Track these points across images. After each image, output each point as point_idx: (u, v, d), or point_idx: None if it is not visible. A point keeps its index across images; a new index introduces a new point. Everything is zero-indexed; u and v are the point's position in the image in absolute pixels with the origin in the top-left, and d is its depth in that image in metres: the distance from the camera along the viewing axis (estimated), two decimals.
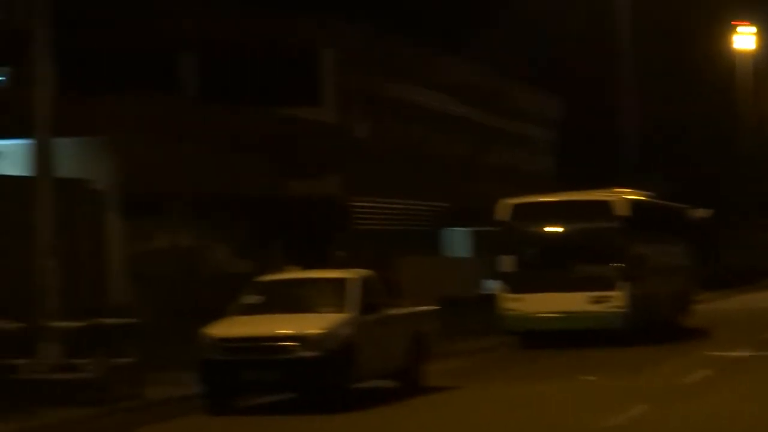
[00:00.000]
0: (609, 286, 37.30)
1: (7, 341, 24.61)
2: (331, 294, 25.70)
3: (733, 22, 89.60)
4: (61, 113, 25.96)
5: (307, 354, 23.94)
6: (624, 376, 29.02)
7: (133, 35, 52.66)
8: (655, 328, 38.60)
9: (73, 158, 30.26)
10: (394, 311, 26.80)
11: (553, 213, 39.47)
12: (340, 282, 26.10)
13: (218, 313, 26.31)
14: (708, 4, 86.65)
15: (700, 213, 54.44)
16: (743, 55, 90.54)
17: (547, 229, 39.07)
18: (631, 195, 40.66)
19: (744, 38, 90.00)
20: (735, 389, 26.44)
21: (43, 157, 25.40)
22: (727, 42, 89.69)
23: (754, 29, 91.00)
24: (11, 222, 26.68)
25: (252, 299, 26.26)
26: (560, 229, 38.92)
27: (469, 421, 23.02)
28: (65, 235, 26.78)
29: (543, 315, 37.57)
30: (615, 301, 37.15)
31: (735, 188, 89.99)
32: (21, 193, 26.67)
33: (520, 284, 38.19)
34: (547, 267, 38.28)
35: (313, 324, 24.38)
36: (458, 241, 59.77)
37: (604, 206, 38.73)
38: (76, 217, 31.13)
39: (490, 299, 40.22)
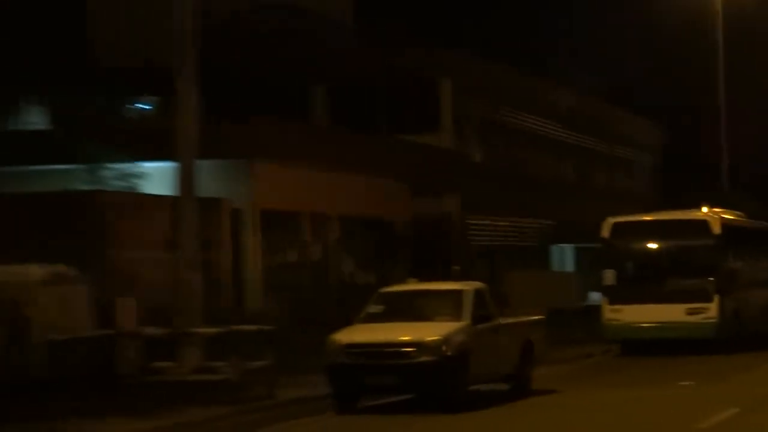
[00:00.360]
0: (703, 299, 36.96)
1: (154, 346, 24.71)
2: (448, 304, 25.65)
3: None
4: (203, 138, 26.09)
5: (425, 359, 23.90)
6: (716, 382, 28.66)
7: (269, 66, 52.94)
8: (746, 338, 38.13)
9: (213, 179, 30.36)
10: (504, 321, 26.73)
11: (651, 231, 39.24)
12: (455, 293, 26.05)
13: (344, 321, 26.35)
14: None
15: None
16: None
17: (646, 245, 38.82)
18: (725, 214, 40.27)
19: None
20: None
21: (186, 178, 25.48)
22: None
23: None
24: (158, 237, 26.72)
25: (376, 308, 26.27)
26: (658, 246, 38.65)
27: (572, 423, 22.91)
28: (206, 249, 26.83)
29: (641, 325, 37.34)
30: (708, 312, 36.82)
31: None
32: (165, 213, 26.73)
33: (620, 296, 37.97)
34: (646, 280, 38.03)
35: (430, 331, 24.33)
36: (564, 257, 59.43)
37: (699, 225, 38.45)
38: (216, 233, 31.22)
39: (593, 310, 39.98)
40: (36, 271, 22.98)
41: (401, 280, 32.39)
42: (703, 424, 21.07)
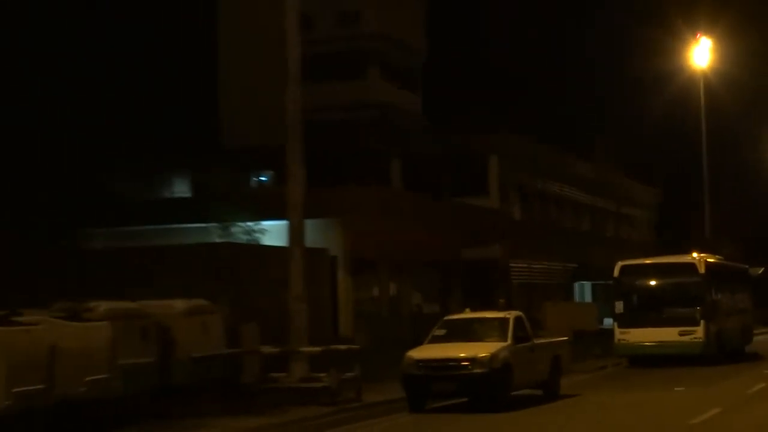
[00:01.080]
0: (692, 323, 36.73)
1: (271, 361, 24.81)
2: (495, 328, 25.64)
3: None
4: (308, 201, 26.25)
5: (478, 371, 23.90)
6: (703, 387, 28.45)
7: (362, 145, 53.23)
8: (726, 354, 37.88)
9: (316, 233, 30.48)
10: (538, 341, 26.67)
11: (651, 271, 39.07)
12: (500, 320, 26.04)
13: (416, 342, 26.42)
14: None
15: (756, 270, 53.61)
16: None
17: (647, 282, 38.63)
18: (708, 258, 40.05)
19: None
20: None
21: (295, 233, 25.58)
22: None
23: None
24: (274, 281, 26.87)
25: (440, 332, 26.31)
26: (656, 283, 38.50)
27: (593, 418, 22.91)
28: (310, 287, 26.93)
29: (644, 344, 37.16)
30: (696, 334, 36.60)
31: None
32: (279, 260, 26.86)
33: (628, 321, 37.78)
34: (647, 309, 37.82)
35: (481, 350, 24.30)
36: (584, 291, 59.08)
37: (688, 266, 38.28)
38: (317, 274, 31.31)
39: (607, 332, 39.82)
40: (180, 304, 23.12)
41: (459, 310, 32.37)
42: (694, 420, 20.97)
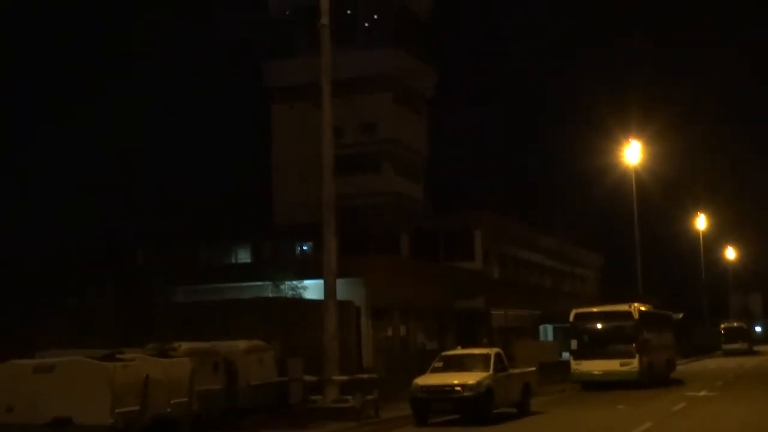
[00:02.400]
0: (629, 356, 36.45)
1: (310, 387, 24.61)
2: (480, 362, 25.44)
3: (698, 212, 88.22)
4: (340, 265, 26.22)
5: (467, 394, 23.75)
6: (638, 406, 28.07)
7: (380, 225, 53.43)
8: (655, 380, 37.48)
9: (345, 289, 30.33)
10: (513, 371, 26.43)
11: (598, 317, 38.79)
12: (484, 355, 25.87)
13: (420, 371, 26.24)
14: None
15: (678, 315, 53.34)
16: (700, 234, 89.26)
17: (595, 325, 38.36)
18: (641, 306, 39.79)
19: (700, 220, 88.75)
20: (702, 413, 25.56)
21: (329, 290, 25.52)
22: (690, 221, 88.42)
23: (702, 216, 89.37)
24: (313, 326, 26.75)
25: (438, 364, 26.13)
26: (602, 326, 38.19)
27: (550, 427, 22.90)
28: (341, 330, 26.82)
29: (593, 372, 36.86)
30: (633, 365, 36.31)
31: (697, 301, 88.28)
32: (317, 310, 26.75)
33: (580, 355, 37.51)
34: (595, 346, 37.51)
35: (470, 378, 24.16)
36: (547, 332, 58.68)
37: (626, 313, 38.03)
38: (346, 320, 31.18)
39: (564, 364, 39.43)
40: (242, 344, 23.02)
41: (453, 347, 32.17)
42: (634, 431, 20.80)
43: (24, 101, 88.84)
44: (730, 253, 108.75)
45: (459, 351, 27.97)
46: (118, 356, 17.29)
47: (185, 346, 20.83)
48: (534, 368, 28.83)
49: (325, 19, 25.95)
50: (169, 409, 17.78)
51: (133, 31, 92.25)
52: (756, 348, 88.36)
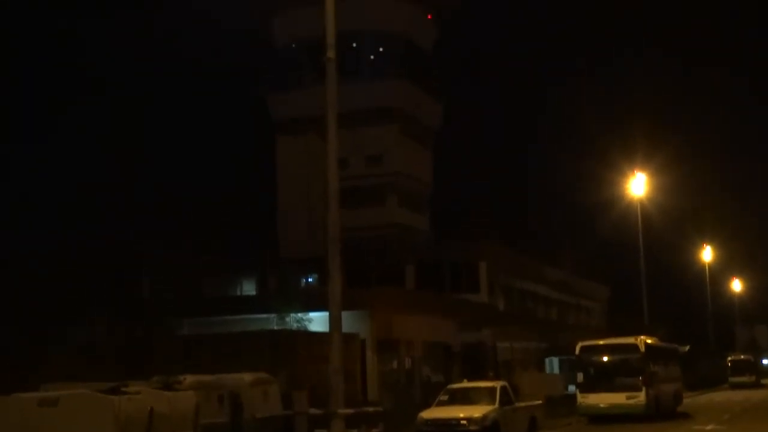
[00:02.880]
0: (636, 389, 36.38)
1: (315, 420, 24.53)
2: (485, 395, 25.50)
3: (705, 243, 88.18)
4: (345, 297, 26.14)
5: (473, 428, 23.85)
6: None
7: (386, 258, 53.44)
8: (662, 413, 37.37)
9: (350, 322, 30.28)
10: (519, 404, 26.44)
11: (604, 349, 38.76)
12: (490, 389, 25.93)
13: (426, 404, 26.19)
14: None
15: (684, 347, 53.28)
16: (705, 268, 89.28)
17: (601, 358, 38.31)
18: (647, 339, 39.75)
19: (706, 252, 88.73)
20: None
21: (334, 322, 25.41)
22: (697, 252, 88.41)
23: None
24: (318, 358, 26.71)
25: (444, 397, 26.17)
26: (608, 358, 38.17)
27: None
28: (346, 363, 26.75)
29: (600, 405, 36.79)
30: (639, 398, 36.24)
31: (704, 333, 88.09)
32: (322, 342, 26.70)
33: (587, 388, 37.43)
34: (601, 379, 37.43)
35: (475, 411, 24.21)
36: (553, 365, 58.45)
37: (632, 346, 38.00)
38: (351, 353, 31.14)
39: (571, 397, 39.32)
40: (247, 377, 23.00)
41: (458, 380, 32.09)
42: None
43: (24, 100, 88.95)
44: (737, 285, 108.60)
45: (465, 384, 27.96)
46: (122, 389, 17.26)
47: (190, 379, 20.80)
48: (540, 401, 28.80)
49: (331, 53, 26.03)
50: None
51: (135, 47, 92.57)
52: (763, 381, 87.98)
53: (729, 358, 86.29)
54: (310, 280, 52.63)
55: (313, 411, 24.52)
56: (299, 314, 35.07)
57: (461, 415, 24.06)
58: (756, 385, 79.40)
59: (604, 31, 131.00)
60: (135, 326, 32.61)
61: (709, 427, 32.87)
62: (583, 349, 38.77)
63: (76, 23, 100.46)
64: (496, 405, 24.68)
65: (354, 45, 57.89)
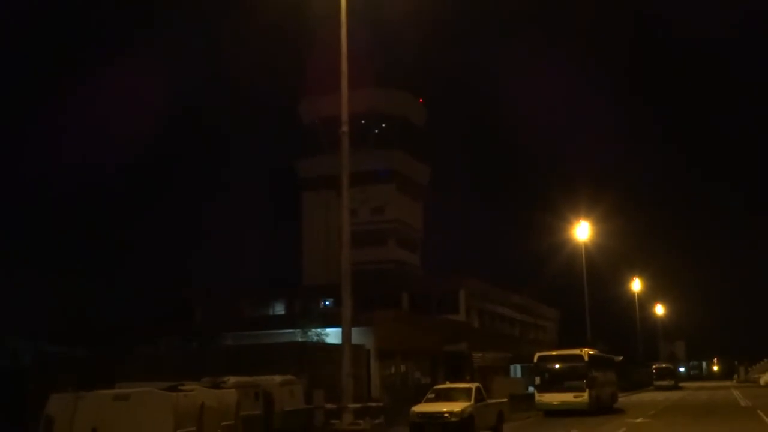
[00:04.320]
0: (581, 390, 36.03)
1: (330, 413, 24.29)
2: (463, 393, 25.12)
3: (635, 277, 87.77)
4: (353, 317, 26.01)
5: (453, 419, 23.44)
6: (589, 430, 27.65)
7: (383, 286, 53.21)
8: (602, 409, 36.95)
9: (358, 336, 30.12)
10: (490, 401, 26.06)
11: (556, 359, 38.40)
12: (467, 389, 25.56)
13: (417, 401, 25.84)
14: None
15: (618, 357, 52.81)
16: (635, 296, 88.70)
17: (554, 365, 37.91)
18: (590, 350, 39.42)
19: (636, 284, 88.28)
20: None
21: (346, 336, 25.31)
22: (628, 284, 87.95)
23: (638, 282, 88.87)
24: (333, 364, 26.46)
25: (431, 395, 25.77)
26: (559, 366, 37.73)
27: None
28: (355, 368, 26.52)
29: (553, 403, 36.38)
30: (584, 397, 35.88)
31: (634, 347, 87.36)
32: (336, 351, 26.49)
33: (543, 389, 37.04)
34: (554, 382, 37.05)
35: (456, 406, 23.86)
36: (516, 370, 57.91)
37: (578, 356, 37.67)
38: (358, 360, 30.88)
39: (530, 396, 38.91)
40: (278, 378, 22.80)
41: (442, 382, 31.76)
42: None
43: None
44: (660, 310, 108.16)
45: (447, 385, 27.63)
46: (179, 388, 17.13)
47: (233, 380, 20.64)
48: (506, 399, 28.51)
49: (345, 127, 26.25)
50: (220, 431, 17.55)
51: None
52: (680, 384, 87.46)
53: (653, 366, 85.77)
54: (327, 303, 52.34)
55: (328, 405, 24.35)
56: (318, 330, 34.89)
57: (444, 410, 23.78)
58: (675, 388, 78.87)
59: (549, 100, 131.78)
60: (190, 341, 32.49)
61: (638, 420, 32.57)
62: (539, 358, 38.45)
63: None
64: (472, 401, 24.41)
65: (363, 122, 58.25)
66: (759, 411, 35.49)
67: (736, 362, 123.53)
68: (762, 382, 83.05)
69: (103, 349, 31.10)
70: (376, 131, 61.47)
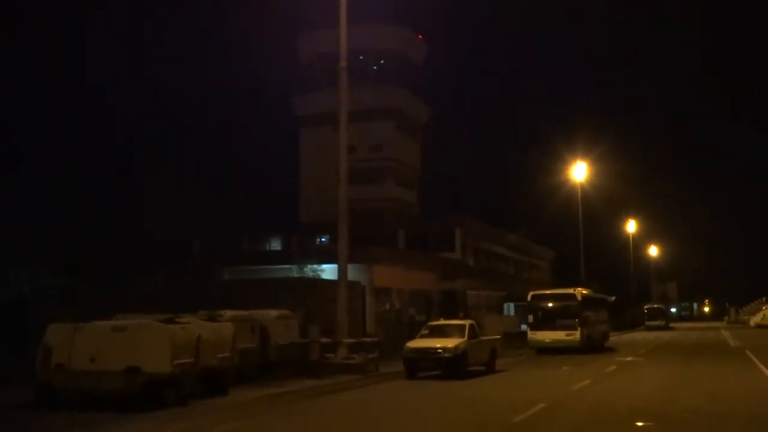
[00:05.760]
0: (573, 329, 36.37)
1: (325, 347, 24.56)
2: (457, 330, 25.36)
3: (630, 218, 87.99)
4: (351, 253, 26.10)
5: (447, 355, 23.71)
6: (579, 367, 28.01)
7: (383, 226, 53.21)
8: (593, 348, 37.45)
9: (354, 272, 30.33)
10: (483, 338, 26.34)
11: (549, 297, 38.69)
12: (461, 326, 25.79)
13: (411, 337, 26.18)
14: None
15: (611, 298, 53.29)
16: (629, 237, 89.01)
17: (547, 304, 38.23)
18: (583, 290, 39.75)
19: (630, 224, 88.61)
20: (629, 374, 25.54)
21: (342, 272, 25.49)
22: (623, 225, 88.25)
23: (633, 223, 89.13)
24: (329, 300, 26.71)
25: (425, 331, 26.05)
26: (552, 304, 38.04)
27: (516, 381, 22.52)
28: (350, 304, 26.77)
29: (545, 341, 36.78)
30: (576, 335, 36.23)
31: (627, 287, 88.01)
32: (332, 287, 26.71)
33: (536, 327, 37.42)
34: (547, 320, 37.41)
35: (450, 342, 24.12)
36: (510, 308, 58.39)
37: (571, 295, 37.97)
38: (354, 296, 31.16)
39: (523, 334, 39.39)
40: (273, 312, 23.03)
41: (436, 319, 32.12)
42: (575, 387, 20.65)
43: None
44: (653, 251, 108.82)
45: (441, 322, 27.91)
46: (177, 320, 17.31)
47: (229, 313, 20.85)
48: (499, 336, 28.79)
49: (343, 63, 25.97)
50: (216, 362, 17.82)
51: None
52: (671, 324, 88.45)
53: (645, 307, 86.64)
54: (323, 239, 52.46)
55: (323, 340, 24.60)
56: (315, 266, 35.06)
57: (438, 345, 24.04)
58: (666, 328, 79.78)
59: (558, 50, 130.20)
60: (187, 274, 32.63)
61: (629, 358, 33.06)
62: (533, 297, 38.75)
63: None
64: (466, 338, 24.64)
65: (361, 58, 57.51)
66: (747, 351, 36.01)
67: (726, 304, 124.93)
68: (752, 323, 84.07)
69: (101, 282, 31.23)
70: (375, 68, 60.76)
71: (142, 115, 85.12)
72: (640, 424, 14.10)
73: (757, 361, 29.11)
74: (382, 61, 60.80)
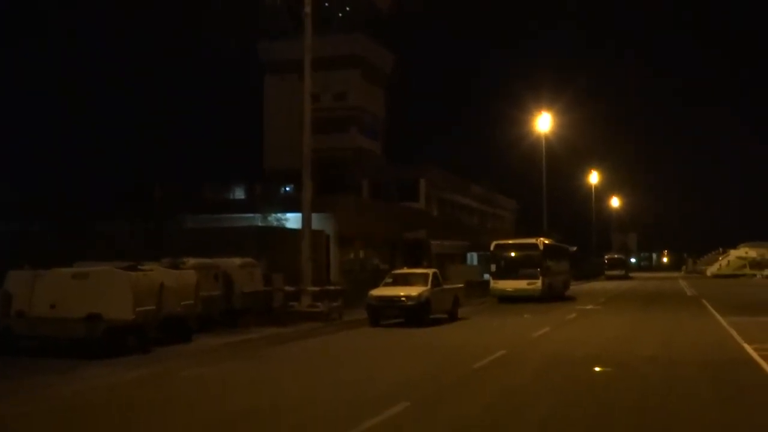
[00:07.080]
0: (534, 278, 36.90)
1: (289, 295, 24.64)
2: (420, 279, 25.58)
3: (592, 169, 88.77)
4: (315, 202, 26.07)
5: (410, 303, 23.92)
6: (540, 315, 28.51)
7: (347, 174, 53.10)
8: (554, 297, 38.05)
9: (319, 221, 30.27)
10: (446, 286, 26.61)
11: (512, 247, 39.15)
12: (424, 274, 26.01)
13: (375, 285, 26.28)
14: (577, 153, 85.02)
15: (573, 248, 53.94)
16: (592, 188, 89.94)
17: (510, 253, 38.70)
18: (545, 240, 40.20)
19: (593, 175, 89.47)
20: (588, 321, 26.02)
21: (306, 221, 25.48)
22: (586, 177, 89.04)
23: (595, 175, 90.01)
24: (293, 249, 26.66)
25: (389, 280, 26.23)
26: (515, 254, 38.53)
27: (477, 329, 22.74)
28: (314, 253, 26.76)
29: (507, 289, 37.28)
30: (537, 285, 36.78)
31: (588, 238, 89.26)
32: (296, 236, 26.66)
33: (498, 276, 37.91)
34: (509, 269, 37.90)
35: (413, 291, 24.31)
36: (473, 258, 59.00)
37: (533, 245, 38.42)
38: (318, 245, 31.14)
39: (485, 283, 39.85)
40: (237, 260, 22.93)
41: (400, 267, 32.31)
42: (535, 334, 20.97)
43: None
44: (615, 202, 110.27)
45: (405, 270, 28.10)
46: (139, 267, 17.18)
47: (192, 261, 20.73)
48: (462, 285, 29.10)
49: (308, 9, 25.56)
50: (179, 309, 17.79)
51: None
52: (631, 274, 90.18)
53: (606, 257, 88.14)
54: (288, 188, 52.26)
55: (287, 288, 24.67)
56: (279, 214, 34.94)
57: (402, 294, 24.24)
58: (625, 278, 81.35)
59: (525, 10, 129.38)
60: (150, 222, 32.25)
61: (588, 307, 33.69)
62: (496, 246, 39.17)
63: None
64: (429, 286, 24.87)
65: (326, 4, 56.68)
66: (703, 299, 36.93)
67: (684, 254, 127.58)
68: (708, 273, 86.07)
69: (60, 227, 30.72)
70: (340, 15, 59.91)
71: (105, 55, 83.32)
72: (598, 369, 14.41)
73: (711, 309, 29.87)
74: (347, 8, 60.00)
